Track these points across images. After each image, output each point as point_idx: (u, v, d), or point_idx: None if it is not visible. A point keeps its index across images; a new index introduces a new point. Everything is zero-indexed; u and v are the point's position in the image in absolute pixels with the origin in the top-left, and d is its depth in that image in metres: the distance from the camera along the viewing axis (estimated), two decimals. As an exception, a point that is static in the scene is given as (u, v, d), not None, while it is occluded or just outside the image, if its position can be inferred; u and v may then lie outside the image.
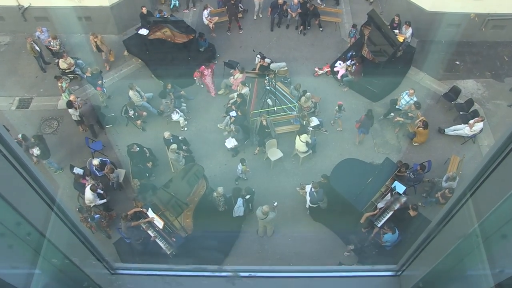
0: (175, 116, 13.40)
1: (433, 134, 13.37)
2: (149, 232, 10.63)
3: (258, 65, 14.69)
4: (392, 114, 13.65)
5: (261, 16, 17.27)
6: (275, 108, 13.57)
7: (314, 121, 13.26)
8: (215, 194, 11.06)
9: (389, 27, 14.57)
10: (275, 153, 12.78)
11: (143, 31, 14.88)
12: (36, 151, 11.70)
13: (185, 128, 13.63)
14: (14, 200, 1.83)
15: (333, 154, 13.07)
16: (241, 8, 16.77)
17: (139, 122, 13.42)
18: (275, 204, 10.98)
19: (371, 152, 13.20)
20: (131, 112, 13.12)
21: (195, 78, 14.56)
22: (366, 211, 10.83)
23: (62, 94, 13.63)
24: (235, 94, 13.54)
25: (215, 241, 11.17)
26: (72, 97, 12.87)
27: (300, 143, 12.28)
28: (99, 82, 13.70)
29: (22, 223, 1.89)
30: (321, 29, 16.73)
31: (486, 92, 14.76)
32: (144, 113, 13.48)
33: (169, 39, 14.60)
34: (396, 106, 13.57)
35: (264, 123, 12.60)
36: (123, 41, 15.69)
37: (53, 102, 14.45)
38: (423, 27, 15.57)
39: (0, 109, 14.24)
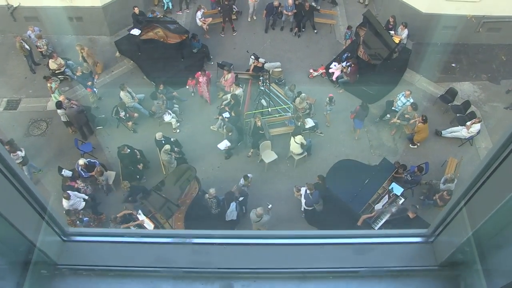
0: (167, 118, 13.11)
1: (430, 136, 13.15)
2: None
3: (252, 66, 14.45)
4: (388, 115, 13.44)
5: (255, 18, 17.07)
6: (270, 109, 13.32)
7: (309, 123, 13.01)
8: (207, 195, 10.73)
9: (384, 28, 14.43)
10: (269, 155, 12.48)
11: (135, 31, 14.60)
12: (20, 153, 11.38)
13: (178, 130, 13.32)
14: None
15: (329, 156, 12.80)
16: (235, 9, 16.56)
17: (130, 123, 13.09)
18: (269, 206, 10.67)
19: (368, 154, 12.96)
20: (122, 113, 12.79)
21: (188, 87, 13.93)
22: (363, 213, 10.58)
23: (52, 95, 13.29)
24: (228, 95, 13.27)
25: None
26: (61, 98, 12.55)
27: (295, 144, 12.00)
28: (89, 83, 13.40)
29: None
30: (315, 31, 16.56)
31: (482, 94, 14.62)
32: (136, 115, 13.16)
33: (162, 40, 14.32)
34: (392, 108, 13.37)
35: (259, 124, 12.33)
36: (114, 42, 15.42)
37: (42, 104, 14.10)
38: (419, 29, 15.43)
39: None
